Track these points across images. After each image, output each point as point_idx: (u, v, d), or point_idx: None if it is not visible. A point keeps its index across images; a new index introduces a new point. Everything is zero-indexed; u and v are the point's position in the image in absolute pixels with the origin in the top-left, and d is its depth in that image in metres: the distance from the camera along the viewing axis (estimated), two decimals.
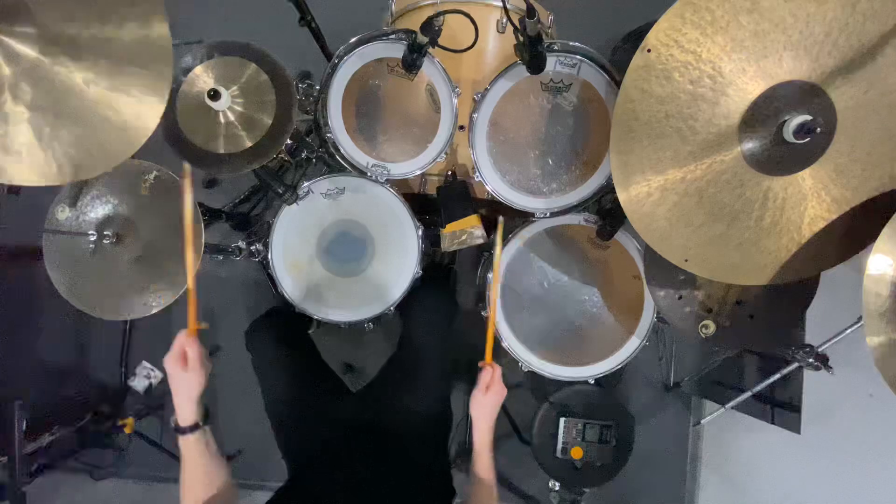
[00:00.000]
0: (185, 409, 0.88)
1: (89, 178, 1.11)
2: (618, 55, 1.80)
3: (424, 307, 1.24)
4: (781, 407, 1.49)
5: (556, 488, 1.41)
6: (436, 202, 1.25)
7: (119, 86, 0.83)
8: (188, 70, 1.12)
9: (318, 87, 1.16)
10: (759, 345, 1.46)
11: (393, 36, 1.07)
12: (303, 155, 1.63)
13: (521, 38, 0.91)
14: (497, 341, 1.28)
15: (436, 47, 1.01)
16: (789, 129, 0.77)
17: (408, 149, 1.21)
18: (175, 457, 1.91)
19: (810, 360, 1.14)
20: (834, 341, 1.12)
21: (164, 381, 2.00)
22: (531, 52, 0.93)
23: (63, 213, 1.14)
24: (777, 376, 1.33)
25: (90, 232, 1.11)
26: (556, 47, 1.04)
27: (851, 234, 0.85)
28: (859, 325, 1.04)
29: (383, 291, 1.24)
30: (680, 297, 1.14)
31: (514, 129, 1.20)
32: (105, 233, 1.12)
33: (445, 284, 1.66)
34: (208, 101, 1.05)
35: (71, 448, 1.77)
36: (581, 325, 1.38)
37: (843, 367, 1.13)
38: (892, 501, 1.25)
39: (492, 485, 0.99)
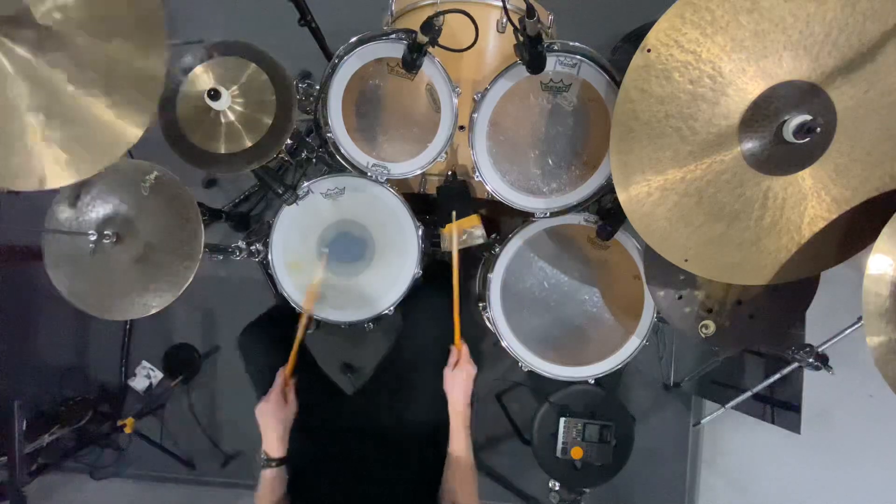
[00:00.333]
0: (280, 442, 0.99)
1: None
2: (618, 55, 1.80)
3: (424, 307, 1.24)
4: (781, 407, 1.49)
5: (556, 488, 1.41)
6: (436, 202, 1.25)
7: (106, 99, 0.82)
8: (188, 70, 1.12)
9: (318, 87, 1.16)
10: (758, 345, 1.46)
11: (393, 36, 1.07)
12: (303, 155, 1.63)
13: (521, 38, 0.92)
14: (496, 341, 1.29)
15: (436, 47, 1.01)
16: (789, 129, 0.77)
17: (408, 149, 1.21)
18: (175, 456, 1.93)
19: (810, 360, 1.14)
20: (834, 341, 1.12)
21: (163, 381, 2.00)
22: (531, 52, 0.93)
23: (63, 213, 1.14)
24: (777, 376, 1.33)
25: (90, 232, 1.11)
26: (556, 47, 1.04)
27: (851, 234, 0.85)
28: (859, 325, 1.04)
29: (383, 291, 1.24)
30: (680, 297, 1.14)
31: (514, 129, 1.20)
32: (105, 233, 1.11)
33: (445, 284, 1.65)
34: (208, 101, 1.05)
35: (71, 448, 1.77)
36: (581, 325, 1.38)
37: (843, 367, 1.13)
38: (892, 501, 1.25)
39: (469, 463, 1.00)
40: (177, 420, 1.99)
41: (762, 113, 0.80)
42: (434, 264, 1.42)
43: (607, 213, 1.22)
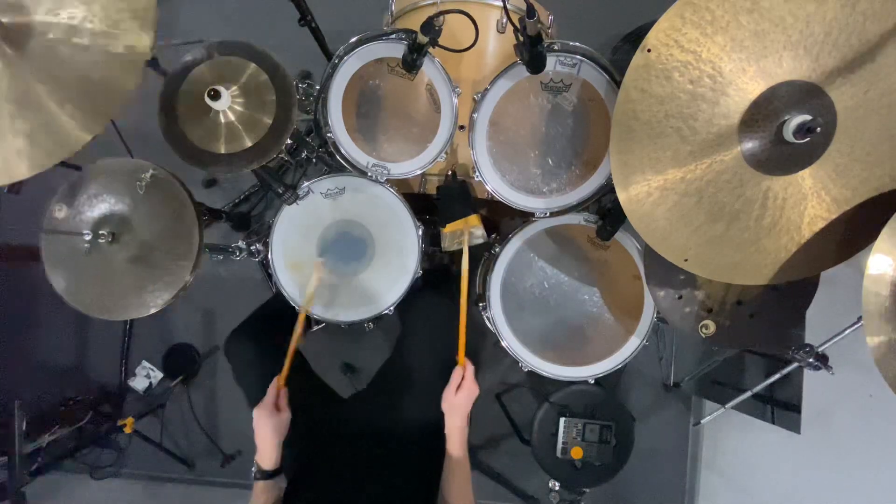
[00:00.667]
0: (274, 453, 0.98)
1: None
2: (618, 55, 1.80)
3: (424, 307, 1.24)
4: (781, 407, 1.49)
5: (556, 488, 1.41)
6: (436, 202, 1.25)
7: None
8: (188, 70, 1.12)
9: (318, 87, 1.15)
10: (759, 345, 1.46)
11: (393, 36, 1.07)
12: (303, 155, 1.63)
13: (521, 38, 0.91)
14: (496, 341, 1.29)
15: (436, 47, 1.01)
16: (789, 128, 0.77)
17: (408, 148, 1.21)
18: (174, 456, 1.93)
19: (810, 360, 1.14)
20: (834, 341, 1.11)
21: (163, 381, 2.00)
22: (531, 51, 0.93)
23: (61, 213, 1.14)
24: (777, 376, 1.33)
25: (85, 231, 1.10)
26: (556, 47, 1.04)
27: (851, 234, 0.85)
28: (859, 325, 1.04)
29: (383, 291, 1.24)
30: (680, 297, 1.14)
31: (514, 129, 1.20)
32: (101, 232, 1.10)
33: (445, 285, 1.66)
34: (208, 101, 1.05)
35: (71, 448, 1.77)
36: (581, 325, 1.38)
37: (843, 367, 1.13)
38: (892, 501, 1.25)
39: (464, 463, 1.00)
40: (176, 420, 1.99)
41: (762, 113, 0.80)
42: (434, 271, 1.42)
43: (607, 213, 1.22)
